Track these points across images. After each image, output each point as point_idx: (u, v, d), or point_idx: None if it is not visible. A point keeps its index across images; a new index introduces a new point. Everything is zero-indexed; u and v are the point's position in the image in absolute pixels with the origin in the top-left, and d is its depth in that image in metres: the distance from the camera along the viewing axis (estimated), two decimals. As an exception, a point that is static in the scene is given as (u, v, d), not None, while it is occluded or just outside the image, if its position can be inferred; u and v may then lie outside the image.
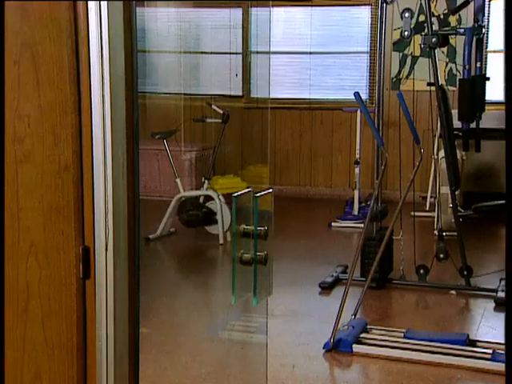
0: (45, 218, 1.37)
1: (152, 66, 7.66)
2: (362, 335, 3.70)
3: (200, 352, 3.65)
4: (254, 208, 2.01)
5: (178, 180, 5.71)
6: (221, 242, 5.56)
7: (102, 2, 1.34)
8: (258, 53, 7.74)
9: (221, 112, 5.74)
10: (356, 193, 6.72)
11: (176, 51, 7.40)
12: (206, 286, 4.91)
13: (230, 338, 3.83)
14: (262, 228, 1.97)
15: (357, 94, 3.71)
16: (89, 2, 1.34)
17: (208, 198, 5.69)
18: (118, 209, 1.39)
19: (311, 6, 7.62)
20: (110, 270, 1.38)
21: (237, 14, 7.72)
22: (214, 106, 5.84)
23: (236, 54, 7.65)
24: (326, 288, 4.61)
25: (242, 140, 7.69)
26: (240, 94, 7.67)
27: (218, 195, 5.63)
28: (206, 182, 5.70)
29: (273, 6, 7.64)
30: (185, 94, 7.01)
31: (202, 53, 7.72)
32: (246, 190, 2.05)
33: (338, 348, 3.58)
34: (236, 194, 1.95)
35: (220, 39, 7.73)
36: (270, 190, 2.09)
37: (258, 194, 1.97)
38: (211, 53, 7.71)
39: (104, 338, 1.38)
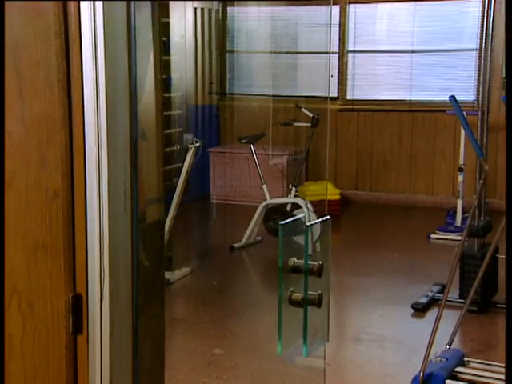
0: (29, 257, 1.12)
1: (241, 67, 7.46)
2: (458, 369, 3.27)
3: (274, 379, 3.36)
4: (305, 239, 1.70)
5: (264, 186, 5.45)
6: (309, 252, 5.22)
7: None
8: (355, 52, 7.34)
9: (310, 115, 5.43)
10: (459, 202, 6.19)
11: (267, 51, 7.16)
12: (290, 302, 4.59)
13: (308, 364, 3.51)
14: (316, 263, 1.66)
15: (452, 98, 3.29)
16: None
17: (296, 206, 5.39)
18: (117, 248, 1.11)
19: (415, 0, 7.14)
20: (106, 324, 1.11)
21: (334, 11, 7.36)
22: (303, 109, 5.54)
23: (332, 53, 7.29)
24: (420, 310, 4.19)
25: (337, 143, 7.33)
26: (335, 95, 7.31)
27: (306, 203, 5.32)
28: (294, 189, 5.40)
29: (370, 2, 7.22)
30: (275, 95, 6.75)
31: (296, 53, 7.42)
32: (296, 218, 1.74)
33: (429, 383, 3.17)
34: (283, 223, 1.65)
35: (315, 38, 7.40)
36: (327, 218, 1.78)
37: (310, 223, 1.66)
38: (305, 52, 7.40)
39: (98, 407, 1.12)
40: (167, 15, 5.81)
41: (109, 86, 1.08)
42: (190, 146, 4.59)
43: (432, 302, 4.29)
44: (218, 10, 7.02)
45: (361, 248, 5.65)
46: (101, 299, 1.11)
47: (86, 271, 1.11)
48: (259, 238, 5.58)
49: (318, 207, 6.31)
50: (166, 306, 4.46)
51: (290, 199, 5.40)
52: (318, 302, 1.63)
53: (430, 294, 4.38)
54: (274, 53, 7.28)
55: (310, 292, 1.70)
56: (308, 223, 1.75)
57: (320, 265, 1.68)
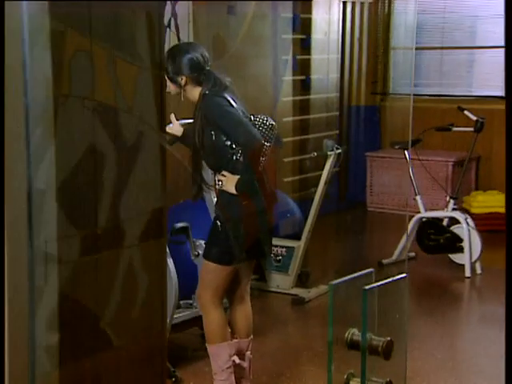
0: None
1: (407, 65, 6.85)
2: None
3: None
4: (362, 308, 1.26)
5: (418, 197, 4.88)
6: (467, 274, 4.59)
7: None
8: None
9: (474, 119, 4.77)
10: None
11: (436, 47, 6.51)
12: (442, 332, 4.00)
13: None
14: (383, 339, 1.21)
15: None
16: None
17: (454, 221, 4.75)
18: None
19: None
20: None
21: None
22: (466, 112, 4.88)
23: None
24: None
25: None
26: (513, 94, 6.43)
27: (466, 218, 4.67)
28: (452, 201, 4.77)
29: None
30: (441, 95, 6.08)
31: (469, 48, 6.66)
32: (359, 274, 1.30)
33: None
34: (335, 282, 1.23)
35: (493, 31, 6.60)
36: (404, 276, 1.32)
37: (370, 287, 1.21)
38: (479, 47, 6.62)
39: None
40: (309, 11, 5.44)
41: None
42: (329, 153, 4.18)
43: None
44: (371, 3, 6.48)
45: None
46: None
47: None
48: (412, 255, 5.01)
49: (486, 221, 5.57)
50: (294, 327, 4.04)
51: (447, 213, 4.78)
52: (384, 395, 1.18)
53: None
54: (443, 48, 6.61)
55: (375, 379, 1.25)
56: (367, 287, 1.30)
57: (388, 342, 1.22)
